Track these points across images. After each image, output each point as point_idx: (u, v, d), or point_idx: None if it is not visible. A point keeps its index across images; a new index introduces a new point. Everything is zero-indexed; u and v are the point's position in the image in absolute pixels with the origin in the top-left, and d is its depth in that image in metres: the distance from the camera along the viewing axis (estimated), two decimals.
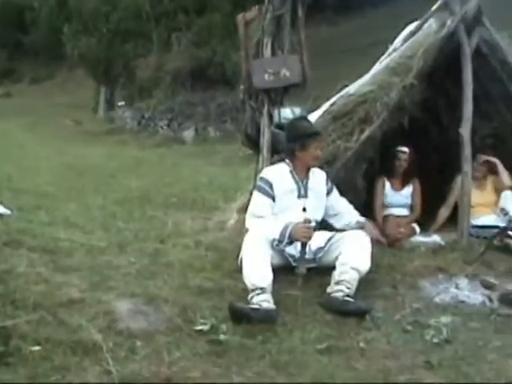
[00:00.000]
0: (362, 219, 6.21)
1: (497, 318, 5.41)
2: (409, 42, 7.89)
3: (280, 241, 5.58)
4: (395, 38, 8.23)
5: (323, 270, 5.78)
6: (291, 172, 6.04)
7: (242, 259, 5.50)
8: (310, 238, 5.61)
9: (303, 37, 7.38)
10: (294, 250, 5.77)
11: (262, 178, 6.08)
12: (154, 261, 6.23)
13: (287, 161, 6.11)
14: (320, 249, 5.87)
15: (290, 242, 5.64)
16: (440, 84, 8.12)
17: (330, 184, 6.26)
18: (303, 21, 7.21)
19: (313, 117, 7.19)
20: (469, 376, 4.33)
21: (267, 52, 7.18)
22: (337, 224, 6.23)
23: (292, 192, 5.98)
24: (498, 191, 7.83)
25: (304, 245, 5.61)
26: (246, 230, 5.80)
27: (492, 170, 7.94)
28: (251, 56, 7.31)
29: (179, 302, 5.15)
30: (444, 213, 7.84)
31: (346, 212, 6.28)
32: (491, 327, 5.25)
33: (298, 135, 6.07)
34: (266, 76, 7.03)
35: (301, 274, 5.61)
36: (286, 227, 5.57)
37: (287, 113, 6.96)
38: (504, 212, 6.74)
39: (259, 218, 5.84)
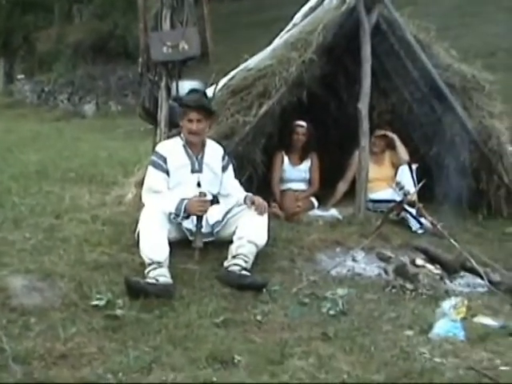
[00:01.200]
0: (250, 194, 6.12)
1: (392, 290, 5.53)
2: (309, 18, 7.92)
3: (176, 215, 5.53)
4: (296, 13, 8.25)
5: (221, 244, 5.79)
6: (184, 146, 5.97)
7: (138, 234, 5.45)
8: (205, 212, 5.61)
9: (206, 11, 7.33)
10: (190, 224, 5.73)
11: (156, 153, 6.01)
12: (49, 236, 6.09)
13: (182, 135, 6.05)
14: (218, 223, 5.85)
15: (187, 216, 5.62)
16: (339, 60, 8.21)
17: (226, 160, 6.20)
18: None
19: (211, 91, 7.14)
20: (364, 346, 4.41)
21: (166, 25, 7.10)
22: (226, 204, 6.08)
23: (185, 167, 5.92)
24: (396, 166, 7.96)
25: (200, 218, 5.60)
26: (143, 205, 5.74)
27: (389, 145, 8.07)
28: (150, 28, 7.23)
29: (75, 278, 5.08)
30: (342, 187, 7.94)
31: (235, 192, 6.16)
32: (386, 299, 5.36)
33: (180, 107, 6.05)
34: (165, 49, 6.96)
35: (198, 247, 5.62)
36: (181, 201, 5.53)
37: (186, 87, 6.88)
38: (400, 186, 6.84)
39: (155, 193, 5.78)
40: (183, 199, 5.55)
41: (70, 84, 27.41)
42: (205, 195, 5.62)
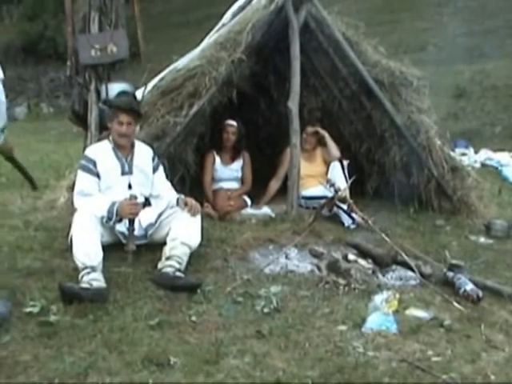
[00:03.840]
0: (182, 196, 6.12)
1: (325, 286, 5.57)
2: (238, 17, 7.96)
3: (109, 218, 5.50)
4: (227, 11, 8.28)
5: (154, 246, 5.78)
6: (113, 149, 5.94)
7: (71, 238, 5.40)
8: (136, 215, 5.59)
9: (137, 11, 7.30)
10: (123, 227, 5.71)
11: (85, 156, 5.94)
12: None
13: (110, 138, 6.01)
14: (151, 225, 5.85)
15: (120, 220, 5.59)
16: (269, 59, 8.27)
17: (156, 161, 6.19)
18: None
19: (141, 93, 7.12)
20: (298, 343, 4.46)
21: (94, 27, 7.04)
22: (158, 206, 6.07)
23: (115, 169, 5.89)
24: (327, 162, 8.02)
25: (132, 221, 5.58)
26: (75, 210, 5.69)
27: (321, 142, 8.14)
28: (78, 31, 7.16)
29: (8, 285, 5.03)
30: (274, 185, 7.98)
31: (167, 193, 6.13)
32: (320, 295, 5.40)
33: (108, 111, 6.01)
34: (93, 52, 6.91)
35: (131, 250, 5.61)
36: (112, 204, 5.50)
37: (115, 89, 6.83)
38: (330, 183, 6.89)
39: (86, 196, 5.72)
40: (114, 202, 5.52)
41: None
42: (135, 198, 5.60)
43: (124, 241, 5.70)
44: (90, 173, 5.80)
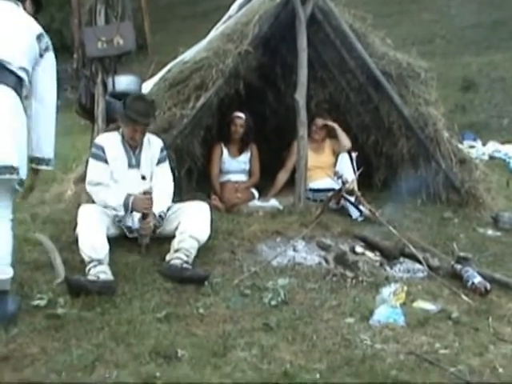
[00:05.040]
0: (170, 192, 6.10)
1: (332, 278, 5.55)
2: (244, 9, 7.95)
3: (125, 209, 5.59)
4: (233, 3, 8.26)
5: (163, 239, 5.80)
6: (122, 141, 5.95)
7: (78, 231, 5.41)
8: (150, 209, 5.61)
9: (144, 2, 7.29)
10: (130, 221, 5.75)
11: (94, 144, 5.98)
12: None
13: (120, 130, 6.02)
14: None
15: (131, 212, 5.65)
16: (276, 50, 8.24)
17: (164, 153, 6.18)
18: None
19: (149, 84, 7.11)
20: (306, 335, 4.46)
21: (101, 20, 7.02)
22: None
23: (122, 161, 5.90)
24: (336, 154, 8.02)
25: (145, 215, 5.59)
26: (83, 201, 5.70)
27: (330, 133, 8.11)
28: (84, 24, 7.15)
29: (15, 278, 4.99)
30: (282, 177, 7.96)
31: (160, 187, 6.00)
32: (327, 287, 5.40)
33: (122, 113, 5.96)
34: (99, 44, 6.89)
35: (144, 244, 5.69)
36: (128, 197, 5.57)
37: (122, 82, 6.82)
38: (338, 175, 6.88)
39: (98, 185, 5.76)
40: (130, 195, 5.58)
41: None
42: (150, 193, 5.61)
43: (129, 235, 5.76)
44: (99, 159, 5.83)
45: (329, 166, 7.87)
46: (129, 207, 5.57)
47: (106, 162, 5.84)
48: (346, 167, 7.51)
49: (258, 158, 8.07)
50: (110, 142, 5.93)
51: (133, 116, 5.83)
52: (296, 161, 7.55)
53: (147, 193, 5.59)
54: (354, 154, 7.66)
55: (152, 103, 6.21)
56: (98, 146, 5.89)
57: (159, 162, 6.11)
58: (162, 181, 6.08)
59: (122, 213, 5.64)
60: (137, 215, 5.69)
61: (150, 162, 6.02)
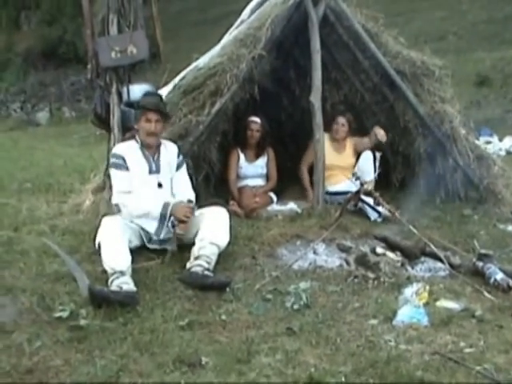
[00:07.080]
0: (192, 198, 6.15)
1: (354, 280, 5.56)
2: (256, 13, 7.93)
3: (164, 217, 5.69)
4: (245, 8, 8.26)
5: (183, 247, 5.79)
6: (141, 148, 5.96)
7: (99, 242, 5.41)
8: (189, 219, 5.69)
9: (155, 11, 7.31)
10: (150, 227, 5.77)
11: (113, 155, 5.97)
12: (8, 250, 6.03)
13: (137, 138, 6.02)
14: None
15: (169, 218, 5.72)
16: (289, 54, 8.26)
17: (181, 158, 6.20)
18: None
19: (163, 92, 7.12)
20: (329, 339, 4.45)
21: (113, 29, 7.03)
22: None
23: (143, 168, 5.91)
24: (356, 153, 8.02)
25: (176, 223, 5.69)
26: (107, 210, 5.72)
27: (351, 132, 8.09)
28: (97, 34, 7.16)
29: (37, 291, 5.04)
30: (305, 168, 7.96)
31: (185, 191, 6.14)
32: (349, 289, 5.39)
33: (136, 112, 6.02)
34: (113, 54, 6.88)
35: (171, 251, 5.73)
36: (166, 205, 5.66)
37: (136, 91, 6.83)
38: (356, 176, 6.87)
39: (129, 194, 5.79)
40: (168, 203, 5.67)
41: (21, 92, 27.03)
42: (192, 202, 5.74)
43: (148, 245, 5.82)
44: (121, 168, 5.85)
45: (349, 166, 7.88)
46: (167, 214, 5.64)
47: (127, 169, 5.85)
48: (367, 166, 7.51)
49: (274, 161, 8.06)
50: (129, 150, 5.94)
51: (144, 103, 5.94)
52: (313, 163, 7.53)
53: (190, 201, 5.75)
54: (378, 154, 7.58)
55: (161, 98, 6.26)
56: (117, 155, 5.90)
57: (178, 167, 6.13)
58: (183, 187, 6.14)
59: (156, 214, 5.69)
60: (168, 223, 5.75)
61: (169, 167, 6.03)
